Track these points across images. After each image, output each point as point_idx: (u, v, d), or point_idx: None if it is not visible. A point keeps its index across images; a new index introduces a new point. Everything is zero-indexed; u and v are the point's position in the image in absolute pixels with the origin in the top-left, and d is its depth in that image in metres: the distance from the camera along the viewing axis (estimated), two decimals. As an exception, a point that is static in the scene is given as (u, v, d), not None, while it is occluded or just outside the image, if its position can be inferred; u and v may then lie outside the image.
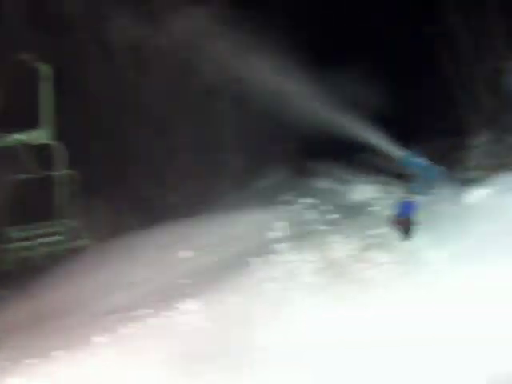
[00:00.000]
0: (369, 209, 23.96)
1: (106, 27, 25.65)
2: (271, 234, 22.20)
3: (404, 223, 16.54)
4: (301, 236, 20.94)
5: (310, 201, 27.33)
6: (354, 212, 23.87)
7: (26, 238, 22.61)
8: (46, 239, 23.46)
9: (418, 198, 23.03)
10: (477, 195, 17.37)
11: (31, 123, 25.47)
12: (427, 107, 33.24)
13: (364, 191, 27.64)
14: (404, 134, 27.08)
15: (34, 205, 25.41)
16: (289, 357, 10.51)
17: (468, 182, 21.76)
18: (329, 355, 10.12)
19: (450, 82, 30.76)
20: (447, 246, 14.72)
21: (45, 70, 23.72)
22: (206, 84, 30.08)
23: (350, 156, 33.52)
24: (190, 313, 14.86)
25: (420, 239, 16.52)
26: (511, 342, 8.45)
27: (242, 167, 34.42)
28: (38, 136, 24.19)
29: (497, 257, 12.44)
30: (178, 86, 30.88)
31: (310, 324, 12.06)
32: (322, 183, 31.88)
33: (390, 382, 8.36)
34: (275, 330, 12.40)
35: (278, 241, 20.65)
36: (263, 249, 19.95)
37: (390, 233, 18.47)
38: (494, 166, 26.95)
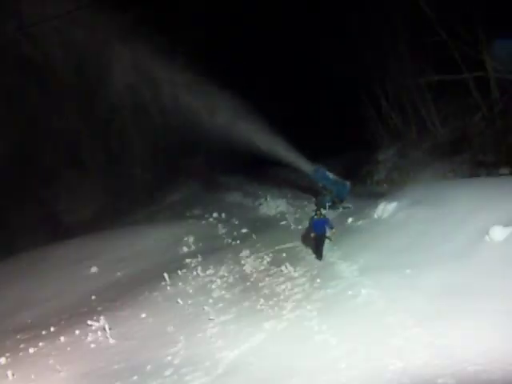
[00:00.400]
0: (279, 223, 24.47)
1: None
2: (182, 249, 22.15)
3: (316, 239, 16.78)
4: (212, 250, 21.03)
5: (220, 215, 27.52)
6: (265, 226, 24.27)
7: None
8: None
9: (328, 212, 23.81)
10: (386, 209, 18.00)
11: None
12: (334, 123, 34.59)
13: (274, 205, 28.18)
14: (313, 149, 28.00)
15: None
16: (200, 373, 10.53)
17: (377, 196, 22.67)
18: (241, 369, 10.28)
19: (360, 101, 32.12)
20: (358, 260, 15.23)
21: None
22: (112, 99, 29.86)
23: (261, 171, 34.10)
24: (100, 330, 14.53)
25: (332, 253, 17.00)
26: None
27: (152, 181, 34.28)
28: None
29: (404, 268, 12.83)
30: (83, 103, 30.35)
31: (222, 338, 12.15)
32: (232, 198, 32.19)
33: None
34: (186, 345, 12.43)
35: (190, 256, 20.66)
36: (174, 264, 19.88)
37: (302, 246, 18.90)
38: (401, 180, 28.40)
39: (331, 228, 17.39)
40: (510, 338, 8.12)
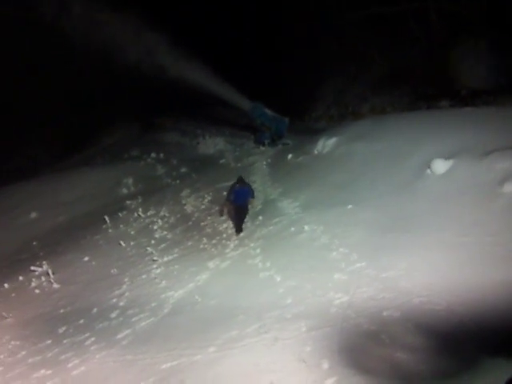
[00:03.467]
0: (218, 161, 24.23)
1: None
2: (122, 191, 21.69)
3: (236, 211, 14.69)
4: (152, 191, 20.67)
5: (158, 155, 27.05)
6: (204, 165, 24.01)
7: None
8: None
9: (267, 149, 23.68)
10: (326, 144, 17.94)
11: None
12: (276, 61, 34.10)
13: (213, 144, 27.88)
14: (251, 86, 27.63)
15: None
16: (146, 314, 10.45)
17: (317, 132, 22.63)
18: (187, 309, 10.22)
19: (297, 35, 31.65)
20: (300, 196, 15.20)
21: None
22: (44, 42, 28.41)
23: (198, 110, 33.53)
24: (43, 275, 14.19)
25: (273, 190, 16.93)
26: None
27: (87, 125, 33.24)
28: None
29: (347, 204, 12.85)
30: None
31: (166, 279, 12.12)
32: (170, 137, 31.64)
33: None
34: (131, 287, 12.26)
35: (130, 197, 20.25)
36: (115, 206, 19.46)
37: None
38: (340, 115, 28.49)
39: (252, 197, 15.25)
40: (454, 270, 8.29)
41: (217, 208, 16.43)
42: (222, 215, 15.39)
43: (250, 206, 15.13)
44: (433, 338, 6.80)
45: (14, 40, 27.88)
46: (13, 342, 10.76)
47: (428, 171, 11.94)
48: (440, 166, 11.64)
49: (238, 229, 14.17)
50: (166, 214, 17.50)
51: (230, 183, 19.50)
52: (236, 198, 14.70)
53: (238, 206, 14.65)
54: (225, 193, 17.99)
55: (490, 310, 7.03)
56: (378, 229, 10.87)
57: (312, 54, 33.40)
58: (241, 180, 15.10)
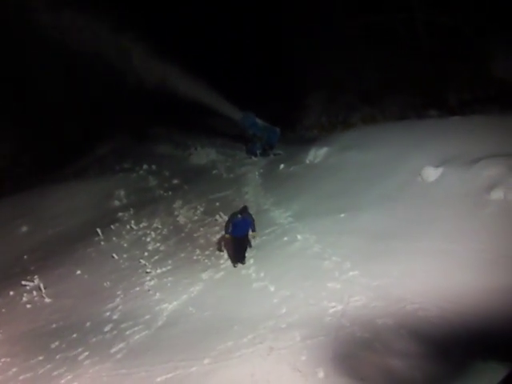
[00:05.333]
0: (210, 172, 24.25)
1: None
2: (114, 203, 21.62)
3: (235, 243, 12.78)
4: (144, 203, 20.64)
5: (150, 167, 27.03)
6: (196, 176, 24.01)
7: None
8: None
9: (259, 159, 23.72)
10: (317, 154, 18.04)
11: None
12: (265, 71, 34.18)
13: (205, 155, 27.91)
14: (242, 96, 27.71)
15: None
16: (140, 326, 10.40)
17: (308, 141, 22.70)
18: (181, 321, 10.21)
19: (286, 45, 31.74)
20: (292, 206, 15.26)
21: None
22: (38, 50, 28.40)
23: (189, 120, 33.53)
24: (35, 289, 14.09)
25: (265, 200, 16.97)
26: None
27: (80, 135, 33.14)
28: None
29: (339, 213, 12.94)
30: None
31: (160, 291, 12.03)
32: (162, 149, 31.62)
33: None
34: (124, 300, 12.20)
35: (122, 209, 20.20)
36: (107, 218, 19.40)
37: (234, 195, 18.79)
38: (331, 125, 28.60)
39: (253, 230, 12.77)
40: (445, 277, 8.38)
41: (209, 219, 16.46)
42: (221, 250, 13.75)
43: (251, 239, 13.17)
44: (426, 344, 6.87)
45: (7, 50, 27.76)
46: (3, 359, 10.60)
47: (419, 179, 12.09)
48: (430, 174, 11.80)
49: (235, 259, 12.70)
50: (159, 226, 17.46)
51: (223, 194, 19.67)
52: (235, 230, 12.62)
53: (237, 239, 12.71)
54: (218, 204, 18.15)
55: (481, 315, 7.12)
56: (370, 237, 10.96)
57: (301, 63, 33.54)
58: (245, 210, 12.78)
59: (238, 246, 12.80)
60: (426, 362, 6.55)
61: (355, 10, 26.55)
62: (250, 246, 13.06)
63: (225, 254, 13.36)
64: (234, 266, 12.52)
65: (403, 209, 11.54)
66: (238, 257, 12.71)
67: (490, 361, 6.14)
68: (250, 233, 12.70)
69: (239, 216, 12.52)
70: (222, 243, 13.77)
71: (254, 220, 12.75)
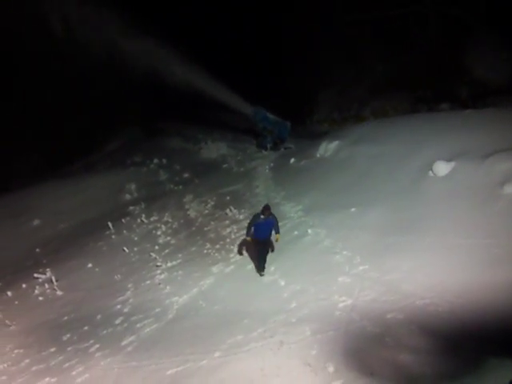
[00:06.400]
0: (221, 166, 24.23)
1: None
2: (125, 197, 21.68)
3: (258, 246, 11.78)
4: (155, 197, 20.68)
5: (161, 161, 27.05)
6: (207, 170, 24.01)
7: None
8: None
9: (269, 153, 23.68)
10: (328, 148, 17.96)
11: None
12: (275, 65, 34.07)
13: (215, 149, 27.88)
14: (253, 90, 27.65)
15: None
16: (150, 319, 10.45)
17: (319, 135, 22.61)
18: (192, 314, 10.25)
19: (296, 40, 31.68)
20: (303, 200, 15.23)
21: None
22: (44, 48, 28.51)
23: (200, 114, 33.51)
24: (47, 282, 14.18)
25: (276, 194, 16.94)
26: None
27: (90, 130, 33.20)
28: None
29: (350, 207, 12.90)
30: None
31: (170, 284, 12.07)
32: (173, 143, 31.62)
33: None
34: (135, 293, 12.24)
35: (133, 203, 20.25)
36: (118, 212, 19.45)
37: (245, 189, 18.77)
38: (342, 118, 28.51)
39: (277, 232, 11.63)
40: (455, 272, 8.33)
41: (220, 213, 16.45)
42: (241, 254, 12.84)
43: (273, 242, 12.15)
44: (436, 339, 6.84)
45: (15, 47, 27.85)
46: (16, 351, 10.74)
47: (430, 173, 11.99)
48: (442, 168, 11.69)
49: (261, 268, 11.56)
50: (170, 220, 17.49)
51: (234, 187, 19.63)
52: (258, 231, 11.66)
53: (260, 242, 11.74)
54: (228, 198, 18.11)
55: (492, 311, 7.08)
56: (381, 231, 10.93)
57: (313, 57, 33.42)
58: (267, 209, 11.56)
59: (261, 250, 11.73)
60: (437, 357, 6.52)
61: (367, 5, 26.40)
62: (272, 250, 12.18)
63: (234, 248, 13.31)
64: (261, 275, 11.39)
65: (414, 203, 11.47)
66: (262, 263, 11.60)
67: (502, 357, 6.11)
68: (273, 234, 11.62)
69: (262, 217, 11.46)
70: (244, 247, 12.86)
71: (277, 221, 11.67)
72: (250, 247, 12.40)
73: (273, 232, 11.57)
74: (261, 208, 11.73)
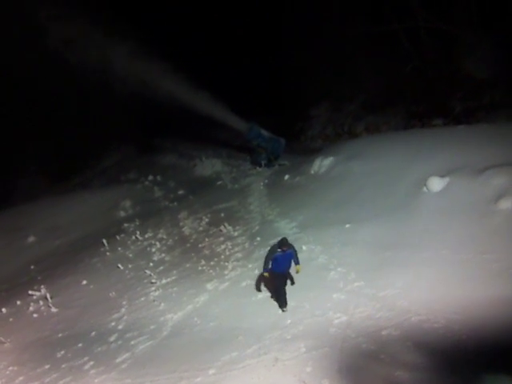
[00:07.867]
0: (215, 183, 24.25)
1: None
2: (119, 214, 21.69)
3: (278, 281, 10.73)
4: (149, 214, 20.68)
5: (155, 178, 27.09)
6: (201, 187, 24.03)
7: None
8: None
9: (264, 170, 23.70)
10: (322, 164, 18.00)
11: None
12: (268, 81, 34.21)
13: (210, 165, 27.93)
14: (247, 107, 27.74)
15: None
16: (144, 337, 10.40)
17: (313, 152, 22.65)
18: (186, 331, 10.20)
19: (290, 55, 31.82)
20: (297, 216, 15.23)
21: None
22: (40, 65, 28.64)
23: (195, 131, 33.61)
24: (41, 299, 14.12)
25: (270, 211, 16.94)
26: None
27: (85, 147, 33.32)
28: None
29: (344, 223, 12.91)
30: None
31: (165, 301, 11.97)
32: (167, 160, 31.70)
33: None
34: (129, 310, 12.16)
35: (127, 220, 20.24)
36: (112, 229, 19.44)
37: (239, 206, 18.76)
38: (336, 134, 28.59)
39: (297, 263, 10.63)
40: (451, 287, 8.35)
41: (214, 230, 16.44)
42: (259, 290, 11.56)
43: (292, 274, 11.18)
44: (432, 356, 6.83)
45: (12, 63, 27.96)
46: (11, 368, 10.66)
47: (424, 189, 12.05)
48: (436, 184, 11.75)
49: (284, 303, 10.39)
50: (164, 237, 17.48)
51: (228, 204, 19.63)
52: (277, 265, 10.69)
53: (280, 275, 10.78)
54: (223, 214, 18.10)
55: (489, 327, 7.08)
56: (376, 247, 10.94)
57: (306, 73, 33.62)
58: (285, 243, 10.52)
59: (281, 285, 10.70)
60: (433, 374, 6.51)
61: (357, 20, 26.62)
62: (293, 283, 11.10)
63: (229, 265, 13.27)
64: (283, 311, 10.21)
65: (408, 219, 11.50)
66: (284, 297, 10.48)
67: (499, 374, 6.11)
68: (293, 266, 10.64)
69: (279, 250, 10.51)
70: (262, 283, 11.65)
71: (296, 251, 10.72)
72: (269, 283, 11.37)
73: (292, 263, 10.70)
74: (278, 241, 10.71)
